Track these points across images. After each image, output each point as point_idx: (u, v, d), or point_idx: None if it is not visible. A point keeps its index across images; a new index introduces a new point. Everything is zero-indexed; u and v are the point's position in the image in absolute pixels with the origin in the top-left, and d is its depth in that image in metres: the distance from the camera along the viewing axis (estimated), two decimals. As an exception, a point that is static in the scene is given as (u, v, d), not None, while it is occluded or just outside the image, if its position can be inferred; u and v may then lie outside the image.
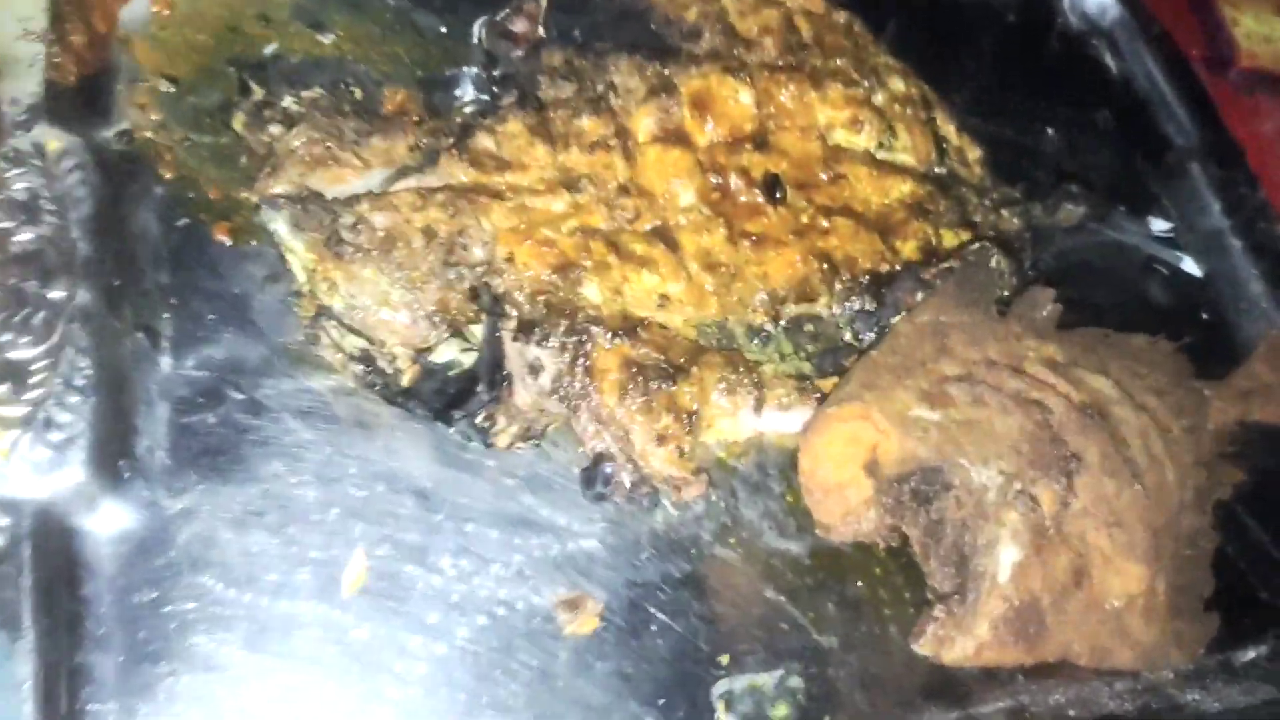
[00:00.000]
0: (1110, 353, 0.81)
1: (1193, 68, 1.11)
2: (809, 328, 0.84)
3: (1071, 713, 0.72)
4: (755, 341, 0.82)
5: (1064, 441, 0.70)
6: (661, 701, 0.66)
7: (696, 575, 0.71)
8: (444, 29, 0.88)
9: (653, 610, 0.69)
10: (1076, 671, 0.72)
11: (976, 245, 0.82)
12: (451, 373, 0.72)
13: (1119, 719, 0.73)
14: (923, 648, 0.66)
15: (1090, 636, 0.69)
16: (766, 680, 0.69)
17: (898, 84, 0.96)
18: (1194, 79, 1.10)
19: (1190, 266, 0.98)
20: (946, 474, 0.68)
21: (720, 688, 0.67)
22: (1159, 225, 0.99)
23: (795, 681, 0.69)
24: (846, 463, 0.68)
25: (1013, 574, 0.66)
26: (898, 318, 0.77)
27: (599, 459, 0.71)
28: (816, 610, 0.72)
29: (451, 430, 0.69)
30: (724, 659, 0.68)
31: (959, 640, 0.65)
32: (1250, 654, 0.80)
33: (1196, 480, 0.79)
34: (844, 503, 0.67)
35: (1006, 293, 0.86)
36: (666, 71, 0.87)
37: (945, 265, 0.80)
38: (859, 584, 0.74)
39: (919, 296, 0.78)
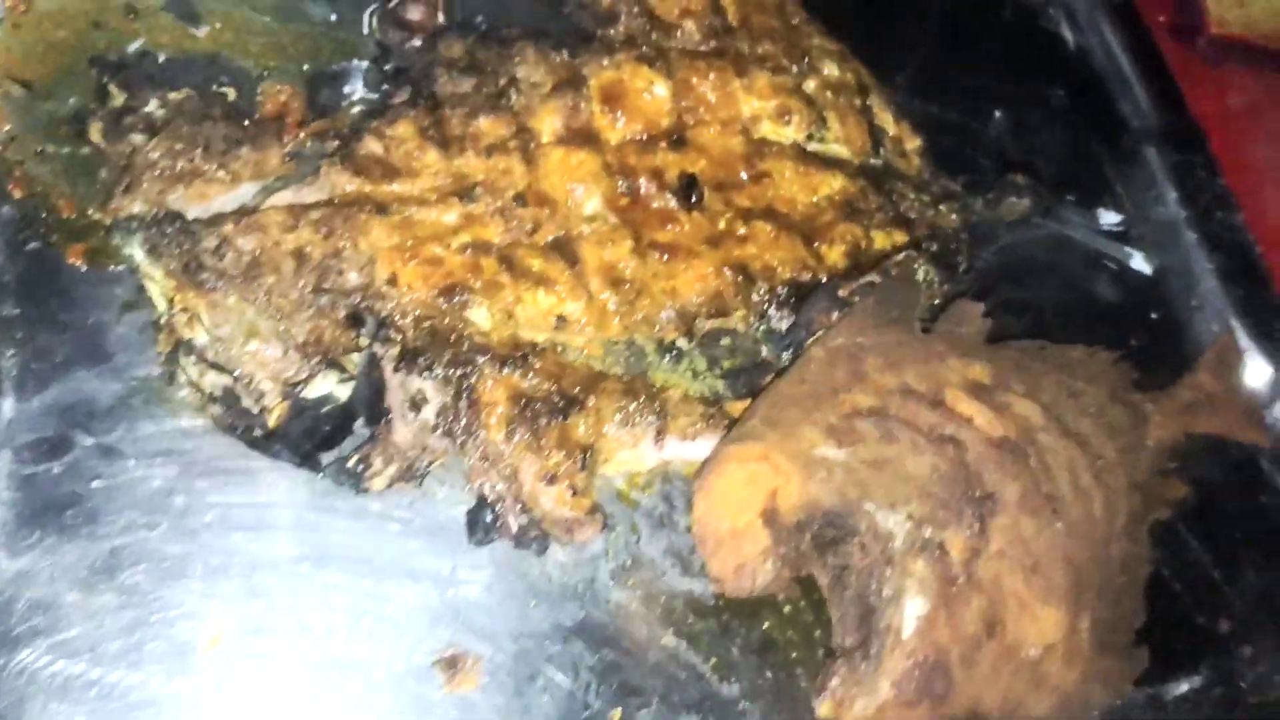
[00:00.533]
0: (1044, 368, 0.76)
1: (1155, 40, 1.04)
2: (725, 341, 0.79)
3: (986, 758, 0.69)
4: (666, 359, 0.77)
5: (979, 481, 0.65)
6: (546, 763, 0.62)
7: (590, 623, 0.67)
8: (334, 16, 0.81)
9: (540, 664, 0.65)
10: (992, 717, 0.68)
11: (901, 256, 0.77)
12: (325, 409, 0.67)
13: (1037, 763, 0.69)
14: (822, 709, 0.63)
15: (1003, 689, 0.65)
16: (661, 734, 0.65)
17: (831, 68, 0.90)
18: (1156, 53, 1.03)
19: (1140, 263, 0.92)
20: (852, 519, 0.63)
21: (611, 745, 0.64)
22: (1109, 218, 0.93)
23: (693, 735, 0.65)
24: (743, 509, 0.63)
25: (918, 628, 0.62)
26: (811, 339, 0.72)
27: (485, 500, 0.67)
28: (719, 656, 0.68)
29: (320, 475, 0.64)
30: (616, 714, 0.65)
31: (860, 700, 0.62)
32: (1182, 687, 0.77)
33: (1130, 505, 0.75)
34: (738, 554, 0.63)
35: (937, 300, 0.81)
36: (577, 62, 0.81)
37: (866, 280, 0.74)
38: (766, 625, 0.70)
39: (835, 315, 0.72)
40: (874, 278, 0.75)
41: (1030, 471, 0.67)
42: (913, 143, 0.92)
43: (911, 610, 0.63)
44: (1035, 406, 0.71)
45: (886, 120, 0.91)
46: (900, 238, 0.85)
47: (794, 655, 0.70)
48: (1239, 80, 1.12)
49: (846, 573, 0.64)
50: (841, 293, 0.73)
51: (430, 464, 0.68)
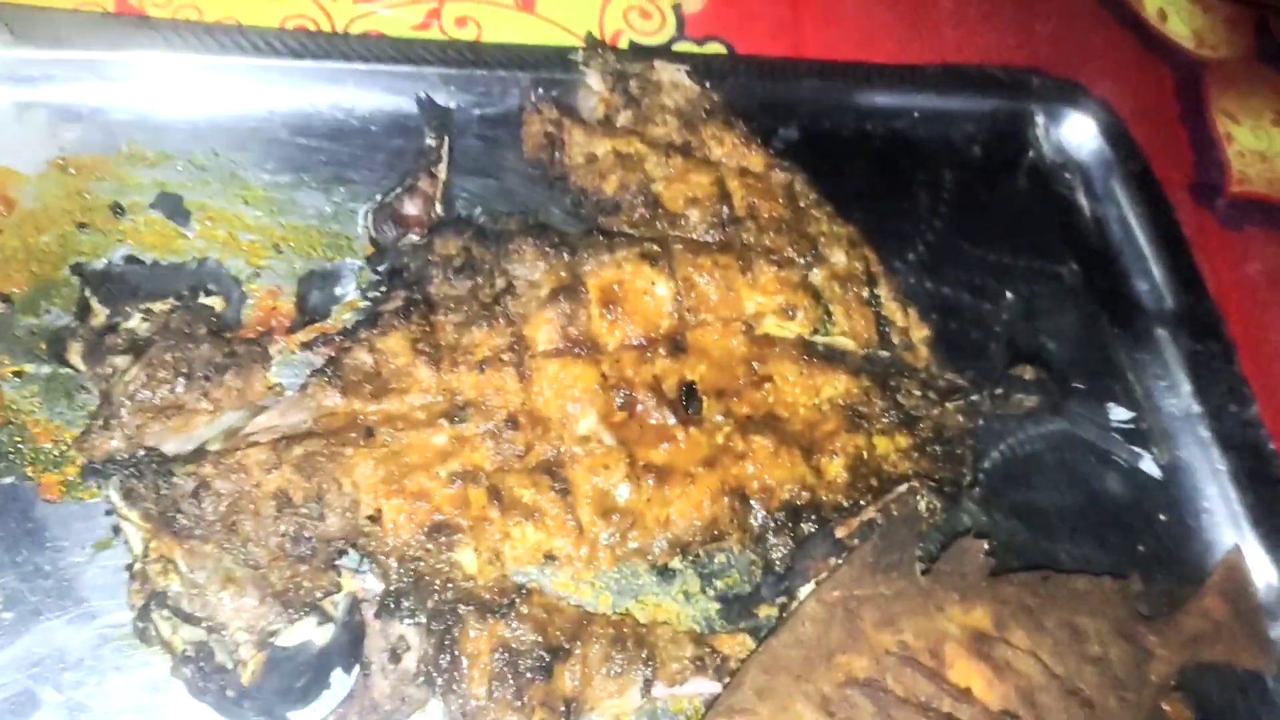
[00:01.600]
0: (1046, 605, 0.74)
1: (1174, 210, 1.02)
2: (719, 560, 0.77)
3: None
4: (657, 579, 0.75)
5: (976, 763, 0.63)
6: None
7: None
8: (329, 209, 0.79)
9: None
10: None
11: (903, 489, 0.74)
12: (301, 659, 0.64)
13: None
14: None
15: None
16: None
17: (839, 257, 0.87)
18: (1175, 226, 1.01)
19: (1149, 465, 0.90)
20: (841, 802, 0.61)
21: None
22: (1120, 414, 0.91)
23: None
24: (730, 792, 0.61)
25: None
26: (806, 589, 0.69)
27: (465, 756, 0.64)
28: None
29: (294, 739, 0.62)
30: None
31: None
32: None
33: (1130, 754, 0.72)
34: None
35: (939, 522, 0.79)
36: (575, 260, 0.78)
37: (864, 519, 0.72)
38: None
39: (833, 561, 0.70)
40: (873, 514, 0.72)
41: (1028, 747, 0.65)
42: (920, 332, 0.89)
43: None
44: (1035, 662, 0.69)
45: (894, 310, 0.88)
46: (904, 441, 0.82)
47: None
48: (1260, 245, 1.09)
49: None
50: (839, 534, 0.71)
51: (410, 714, 0.65)
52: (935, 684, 0.65)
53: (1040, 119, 1.04)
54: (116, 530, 0.64)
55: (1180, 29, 1.20)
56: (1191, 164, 1.12)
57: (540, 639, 0.66)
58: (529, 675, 0.64)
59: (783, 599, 0.72)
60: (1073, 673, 0.71)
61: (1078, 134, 1.04)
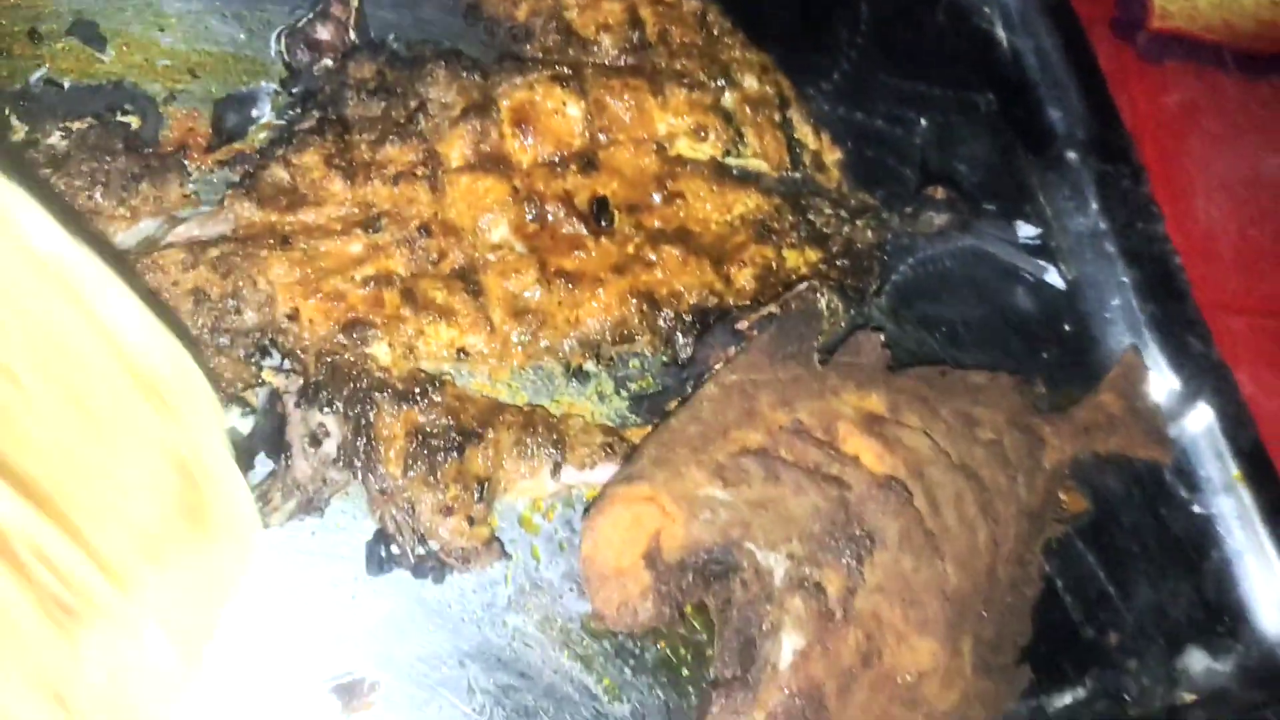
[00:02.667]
0: (942, 396, 0.78)
1: (1090, 42, 1.04)
2: (633, 364, 0.81)
3: (867, 774, 0.72)
4: (573, 382, 0.79)
5: (860, 520, 0.67)
6: (438, 785, 0.66)
7: (487, 647, 0.70)
8: (242, 36, 0.81)
9: (436, 688, 0.68)
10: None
11: (803, 287, 0.78)
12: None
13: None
14: (699, 737, 0.66)
15: (878, 713, 0.68)
16: (551, 756, 0.68)
17: (751, 82, 0.90)
18: (1090, 56, 1.03)
19: (1054, 278, 0.93)
20: (734, 556, 0.66)
21: (501, 766, 0.67)
22: (1027, 231, 0.94)
23: (582, 756, 0.69)
24: (627, 549, 0.65)
25: (794, 662, 0.65)
26: (707, 375, 0.73)
27: (384, 531, 0.69)
28: (611, 676, 0.71)
29: (220, 513, 0.66)
30: (515, 742, 0.68)
31: (735, 731, 0.65)
32: (1066, 699, 0.80)
33: (1019, 530, 0.77)
34: (621, 593, 0.65)
35: (843, 326, 0.83)
36: (488, 82, 0.81)
37: (764, 313, 0.75)
38: (659, 645, 0.73)
39: (733, 350, 0.74)
40: (773, 309, 0.76)
41: (914, 508, 0.70)
42: (833, 155, 0.92)
43: (788, 645, 0.65)
44: (926, 439, 0.73)
45: (806, 134, 0.91)
46: (813, 255, 0.86)
47: (685, 675, 0.73)
48: (1178, 78, 1.12)
49: (729, 606, 0.67)
50: (740, 326, 0.75)
51: (331, 496, 0.70)
52: (825, 452, 0.69)
53: (959, -49, 1.06)
54: (43, 329, 0.68)
55: None
56: (1113, 2, 1.14)
57: (453, 423, 0.70)
58: (442, 455, 0.68)
59: (689, 390, 0.75)
60: (964, 453, 0.76)
61: (996, -33, 1.06)
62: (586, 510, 0.68)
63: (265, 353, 0.70)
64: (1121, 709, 0.81)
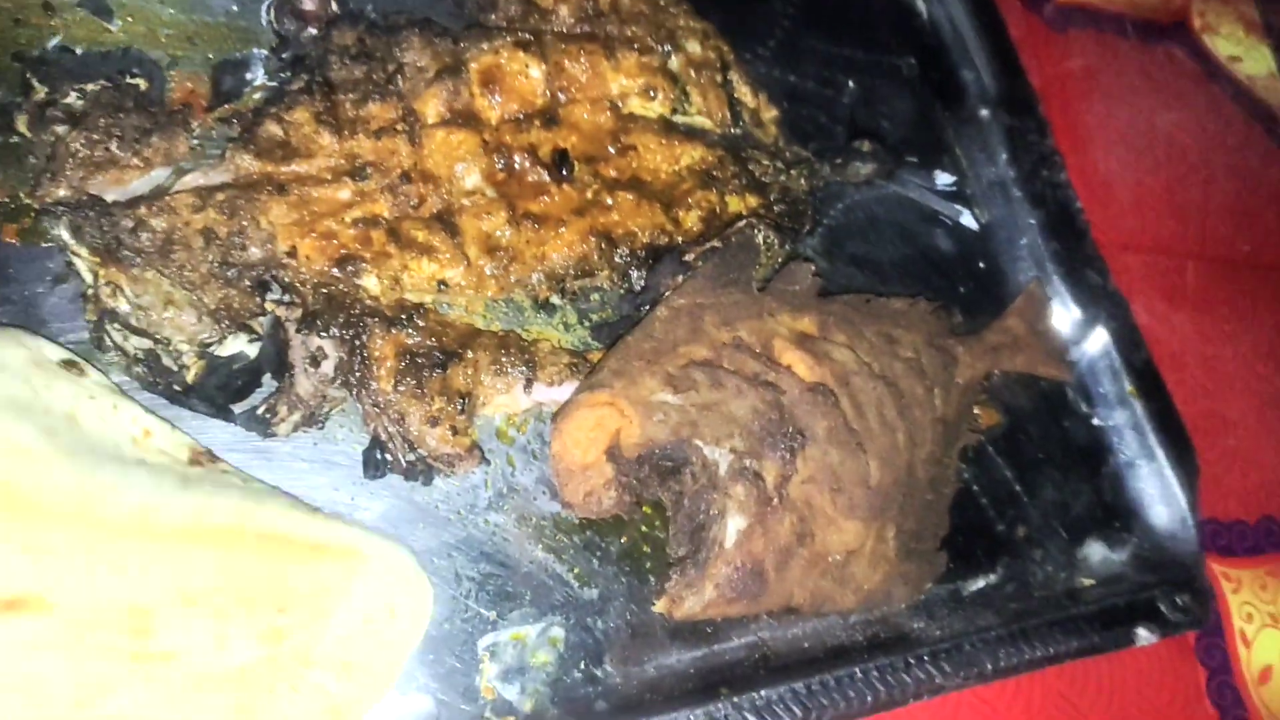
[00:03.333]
0: (866, 319, 0.89)
1: (1000, 10, 1.15)
2: (594, 297, 0.91)
3: (806, 645, 0.83)
4: (541, 314, 0.89)
5: (793, 419, 0.78)
6: (430, 657, 0.75)
7: (471, 541, 0.79)
8: (235, 7, 0.89)
9: (427, 575, 0.77)
10: (810, 611, 0.82)
11: (742, 223, 0.88)
12: (236, 366, 0.77)
13: (849, 649, 0.84)
14: (658, 607, 0.76)
15: (812, 588, 0.78)
16: (530, 631, 0.78)
17: (695, 47, 1.00)
18: (999, 22, 1.14)
19: (969, 220, 1.04)
20: (684, 452, 0.76)
21: (486, 641, 0.77)
22: (944, 179, 1.05)
23: (557, 632, 0.78)
24: (591, 447, 0.75)
25: (738, 540, 0.75)
26: (658, 300, 0.83)
27: (378, 440, 0.78)
28: (581, 566, 0.81)
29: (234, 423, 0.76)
30: (491, 615, 0.78)
31: (689, 600, 0.75)
32: (979, 583, 0.91)
33: (935, 435, 0.88)
34: (587, 483, 0.75)
35: (779, 261, 0.93)
36: (458, 47, 0.90)
37: (708, 246, 0.86)
38: (622, 540, 0.83)
39: (681, 279, 0.84)
40: (716, 243, 0.86)
41: (840, 410, 0.80)
42: (770, 113, 1.02)
43: (732, 526, 0.76)
44: (851, 353, 0.84)
45: (745, 94, 1.01)
46: (753, 201, 0.96)
47: (648, 565, 0.83)
48: (1081, 44, 1.23)
49: (681, 496, 0.77)
50: (687, 257, 0.85)
51: (330, 410, 0.79)
52: (762, 363, 0.80)
53: (881, -70, 1.16)
54: (69, 265, 0.76)
55: None
56: (1023, -26, 1.25)
57: (436, 344, 0.79)
58: (427, 371, 0.78)
59: (642, 314, 0.85)
60: (885, 366, 0.86)
61: (916, -56, 1.17)
62: (555, 415, 0.78)
63: (266, 287, 0.79)
64: (1028, 592, 0.92)
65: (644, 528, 0.84)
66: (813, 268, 0.88)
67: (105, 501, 0.59)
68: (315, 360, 0.77)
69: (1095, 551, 0.96)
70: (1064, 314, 1.03)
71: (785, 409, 0.78)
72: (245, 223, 0.77)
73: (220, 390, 0.76)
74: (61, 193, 0.76)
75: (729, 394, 0.77)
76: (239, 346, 0.78)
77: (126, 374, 0.74)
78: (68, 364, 0.67)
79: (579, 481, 0.75)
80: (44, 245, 0.77)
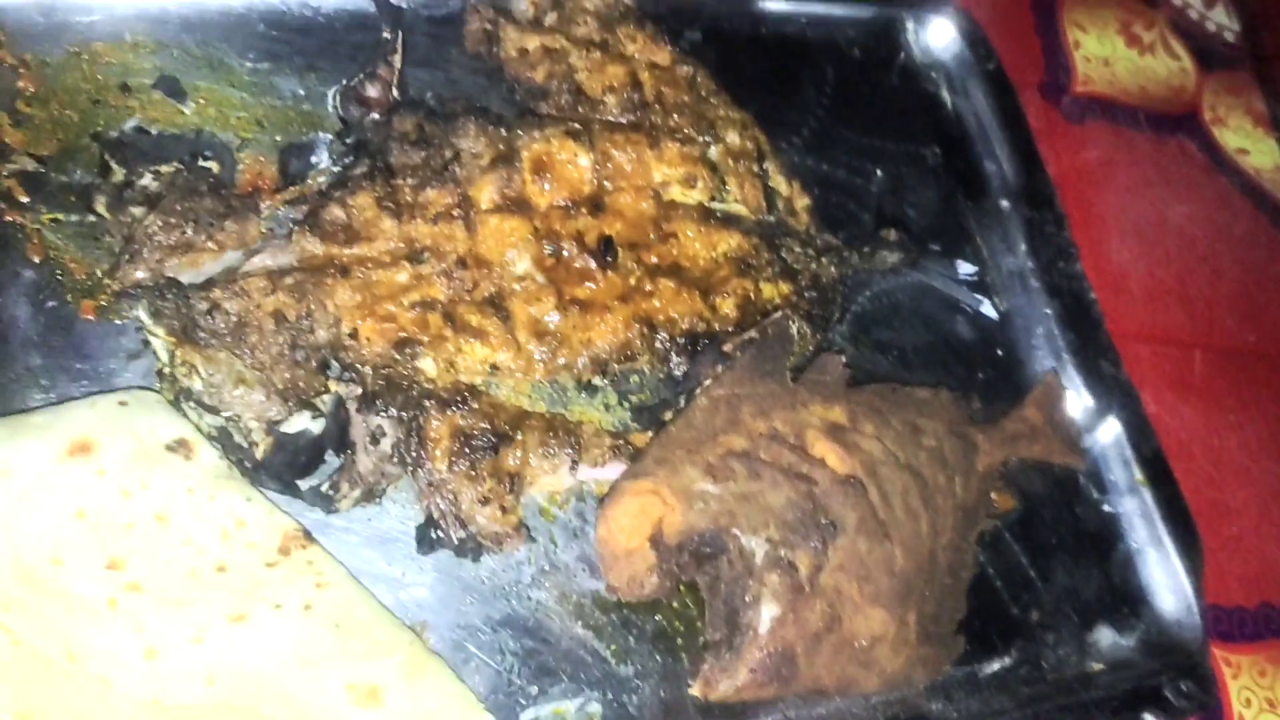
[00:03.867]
0: (893, 408, 0.93)
1: (1021, 104, 1.20)
2: (633, 380, 0.95)
3: (830, 723, 0.87)
4: (583, 394, 0.93)
5: (825, 511, 0.82)
6: (476, 730, 0.78)
7: (514, 617, 0.83)
8: (302, 92, 0.93)
9: (473, 649, 0.81)
10: (834, 691, 0.86)
11: (777, 315, 0.92)
12: (302, 442, 0.81)
13: (871, 727, 0.87)
14: (694, 690, 0.80)
15: (839, 672, 0.82)
16: (569, 706, 0.82)
17: (734, 137, 1.04)
18: (1020, 116, 1.19)
19: (989, 309, 1.09)
20: (722, 540, 0.80)
21: (527, 715, 0.80)
22: (966, 269, 1.10)
23: (594, 707, 0.82)
24: (635, 533, 0.79)
25: (771, 626, 0.79)
26: (699, 388, 0.87)
27: (431, 517, 0.82)
28: (619, 644, 0.85)
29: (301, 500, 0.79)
30: (533, 690, 0.81)
31: (723, 683, 0.79)
32: (995, 666, 0.95)
33: (956, 521, 0.92)
34: (630, 568, 0.79)
35: (811, 348, 0.97)
36: (511, 135, 0.95)
37: (746, 337, 0.90)
38: (657, 618, 0.87)
39: (720, 368, 0.88)
40: (753, 334, 0.90)
41: (869, 501, 0.84)
42: (802, 201, 1.07)
43: (766, 613, 0.80)
44: (879, 444, 0.88)
45: (780, 182, 1.06)
46: (785, 288, 1.00)
47: (680, 643, 0.86)
48: (1097, 135, 1.28)
49: (718, 582, 0.81)
50: (725, 348, 0.89)
51: (387, 487, 0.83)
52: (796, 455, 0.84)
53: (910, 24, 1.21)
54: (145, 343, 0.80)
55: (1040, -52, 1.38)
56: (1042, 67, 1.31)
57: (489, 427, 0.83)
58: (480, 453, 0.82)
59: (681, 402, 0.90)
60: (910, 455, 0.91)
61: (941, 38, 1.22)
62: (599, 502, 0.82)
63: (327, 365, 0.83)
64: (1041, 675, 0.96)
65: (677, 607, 0.87)
66: (843, 359, 0.92)
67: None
68: (375, 438, 0.81)
69: (1105, 636, 1.00)
70: (1078, 402, 1.07)
71: (818, 500, 0.82)
72: (313, 306, 0.82)
73: (287, 467, 0.80)
74: (140, 275, 0.80)
75: (766, 485, 0.81)
76: (303, 424, 0.82)
77: (199, 450, 0.78)
78: (178, 444, 0.70)
79: (623, 566, 0.79)
80: (119, 322, 0.81)
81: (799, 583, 0.80)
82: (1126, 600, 1.03)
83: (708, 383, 0.88)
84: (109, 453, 0.67)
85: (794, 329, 0.93)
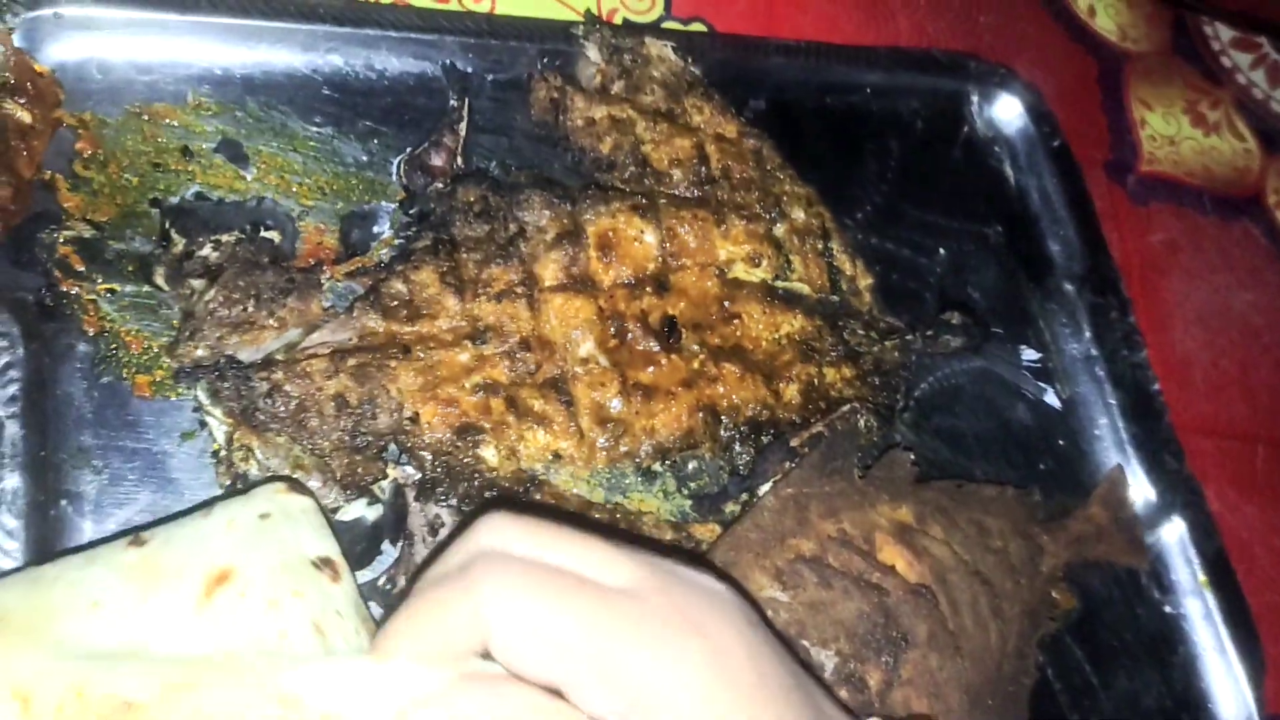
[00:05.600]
0: (959, 507, 0.90)
1: (1086, 183, 1.18)
2: (692, 466, 0.92)
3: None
4: (641, 481, 0.90)
5: (896, 623, 0.79)
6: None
7: (568, 717, 0.80)
8: (365, 158, 0.91)
9: (526, 752, 0.78)
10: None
11: (845, 409, 0.90)
12: (359, 530, 0.78)
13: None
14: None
15: (905, 789, 0.80)
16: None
17: (799, 214, 1.02)
18: (1086, 197, 1.17)
19: (1052, 398, 1.06)
20: (791, 652, 0.77)
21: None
22: (1029, 355, 1.07)
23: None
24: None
25: (838, 744, 0.76)
26: (765, 488, 0.85)
27: (486, 613, 0.79)
28: (673, 747, 0.82)
29: (352, 593, 0.76)
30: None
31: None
32: (1052, 775, 0.92)
33: (1021, 627, 0.89)
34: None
35: (876, 439, 0.95)
36: (576, 210, 0.92)
37: (814, 431, 0.87)
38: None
39: (787, 465, 0.85)
40: (821, 429, 0.88)
41: (939, 612, 0.81)
42: (865, 281, 1.04)
43: (834, 730, 0.77)
44: (948, 549, 0.85)
45: (844, 261, 1.03)
46: (848, 372, 0.98)
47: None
48: (1162, 218, 1.26)
49: (783, 693, 0.78)
50: (793, 444, 0.87)
51: (440, 579, 0.80)
52: (867, 561, 0.81)
53: (975, 98, 1.19)
54: (202, 424, 0.77)
55: (1106, 23, 1.36)
56: (1108, 144, 1.28)
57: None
58: (541, 548, 0.79)
59: (745, 496, 0.87)
60: (977, 559, 0.88)
61: (1007, 113, 1.20)
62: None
63: (384, 450, 0.80)
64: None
65: None
66: (910, 456, 0.90)
67: None
68: (433, 529, 0.79)
69: (1164, 745, 0.97)
70: (1140, 498, 1.05)
71: (889, 611, 0.79)
72: (376, 391, 0.79)
73: (345, 558, 0.77)
74: (199, 353, 0.77)
75: (836, 594, 0.79)
76: (360, 511, 0.79)
77: (252, 539, 0.75)
78: (323, 563, 0.62)
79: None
80: (173, 400, 0.78)
81: (869, 700, 0.77)
82: (1187, 708, 1.00)
83: (776, 481, 0.85)
84: (253, 570, 0.59)
85: (862, 422, 0.90)
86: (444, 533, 0.79)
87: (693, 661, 0.53)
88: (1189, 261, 1.22)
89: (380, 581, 0.77)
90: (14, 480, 0.69)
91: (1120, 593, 1.02)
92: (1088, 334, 1.10)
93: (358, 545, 0.78)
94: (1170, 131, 1.31)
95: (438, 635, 0.53)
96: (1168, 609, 1.03)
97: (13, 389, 0.71)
